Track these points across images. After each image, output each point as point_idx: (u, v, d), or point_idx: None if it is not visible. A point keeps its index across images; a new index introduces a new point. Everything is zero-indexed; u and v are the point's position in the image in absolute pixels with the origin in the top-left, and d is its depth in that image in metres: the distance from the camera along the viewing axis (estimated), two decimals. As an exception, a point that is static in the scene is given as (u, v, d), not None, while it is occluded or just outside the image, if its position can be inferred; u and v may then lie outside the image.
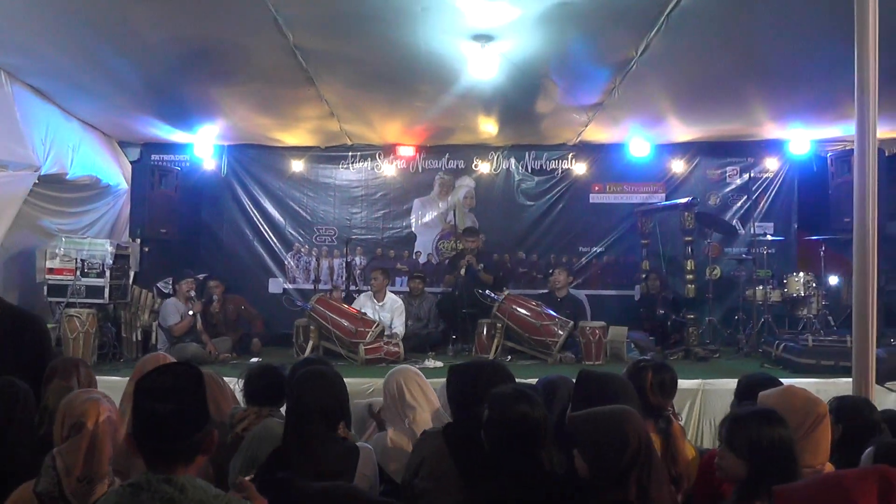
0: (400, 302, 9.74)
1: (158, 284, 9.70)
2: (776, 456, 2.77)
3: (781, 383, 3.86)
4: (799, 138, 10.51)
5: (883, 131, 8.59)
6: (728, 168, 11.33)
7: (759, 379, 4.12)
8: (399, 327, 9.42)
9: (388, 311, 9.56)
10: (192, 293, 9.05)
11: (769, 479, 2.63)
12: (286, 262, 11.48)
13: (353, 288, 10.59)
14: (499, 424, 3.06)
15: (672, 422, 3.70)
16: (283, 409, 4.23)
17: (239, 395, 4.52)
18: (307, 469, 3.12)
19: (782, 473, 2.69)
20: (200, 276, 9.58)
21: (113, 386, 6.13)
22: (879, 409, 4.54)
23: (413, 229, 11.60)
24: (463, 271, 9.72)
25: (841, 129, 9.82)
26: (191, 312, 8.96)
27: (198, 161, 11.03)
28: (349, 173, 11.53)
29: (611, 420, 2.83)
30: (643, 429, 2.82)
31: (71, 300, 8.47)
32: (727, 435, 2.91)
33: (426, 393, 4.20)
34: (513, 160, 11.49)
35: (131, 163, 10.75)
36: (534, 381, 4.27)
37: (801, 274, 9.36)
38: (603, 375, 3.58)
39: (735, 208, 11.31)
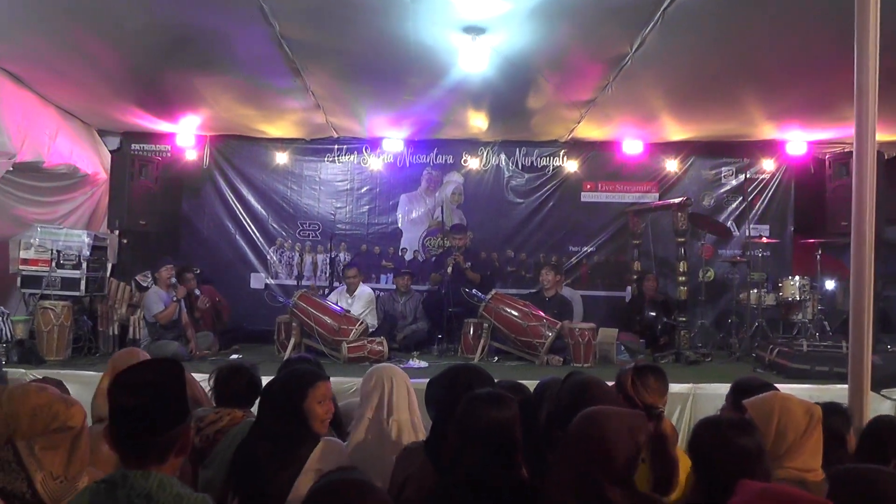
0: (370, 291, 9.78)
1: (137, 278, 9.50)
2: None
3: (776, 388, 3.72)
4: (796, 139, 10.44)
5: (882, 134, 8.48)
6: (723, 168, 11.20)
7: (753, 383, 3.98)
8: (370, 319, 9.34)
9: (358, 302, 9.58)
10: (174, 279, 8.89)
11: None
12: (269, 257, 11.29)
13: (336, 285, 10.46)
14: (464, 428, 2.90)
15: (662, 419, 3.66)
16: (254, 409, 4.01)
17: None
18: None
19: None
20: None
21: (88, 381, 6.00)
22: (874, 416, 4.42)
23: (399, 225, 11.44)
24: (449, 269, 9.60)
25: (839, 131, 9.78)
26: (174, 298, 8.78)
27: (179, 151, 10.87)
28: (334, 167, 11.35)
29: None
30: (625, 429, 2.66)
31: (45, 292, 8.36)
32: None
33: (411, 399, 3.92)
34: (503, 156, 11.33)
35: (111, 152, 10.58)
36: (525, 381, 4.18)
37: (797, 277, 9.29)
38: (587, 378, 3.52)
39: (730, 209, 11.19)
